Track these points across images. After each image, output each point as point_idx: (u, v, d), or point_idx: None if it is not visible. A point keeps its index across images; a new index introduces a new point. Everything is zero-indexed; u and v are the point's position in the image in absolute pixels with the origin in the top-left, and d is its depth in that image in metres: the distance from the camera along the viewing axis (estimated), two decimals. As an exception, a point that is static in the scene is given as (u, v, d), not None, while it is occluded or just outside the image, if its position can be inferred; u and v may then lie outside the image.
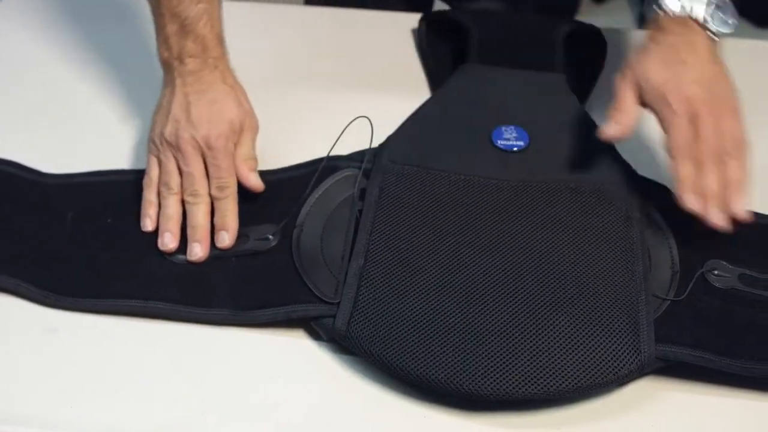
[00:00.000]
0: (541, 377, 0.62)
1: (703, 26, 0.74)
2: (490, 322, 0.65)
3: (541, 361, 0.63)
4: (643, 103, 0.74)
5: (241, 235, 0.73)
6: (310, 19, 1.05)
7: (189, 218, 0.74)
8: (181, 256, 0.72)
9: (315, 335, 0.68)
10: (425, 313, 0.66)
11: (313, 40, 1.01)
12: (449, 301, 0.66)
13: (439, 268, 0.69)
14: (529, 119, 0.82)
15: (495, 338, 0.64)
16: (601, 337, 0.64)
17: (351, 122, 0.77)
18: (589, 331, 0.65)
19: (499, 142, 0.80)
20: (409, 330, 0.65)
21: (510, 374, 0.62)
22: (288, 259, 0.71)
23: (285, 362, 0.67)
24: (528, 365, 0.62)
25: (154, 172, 0.76)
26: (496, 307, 0.66)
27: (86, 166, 0.81)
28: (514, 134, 0.81)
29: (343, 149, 0.78)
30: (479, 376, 0.62)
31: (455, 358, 0.63)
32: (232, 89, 0.78)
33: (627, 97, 0.74)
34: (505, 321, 0.65)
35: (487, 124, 0.82)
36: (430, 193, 0.75)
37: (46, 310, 0.70)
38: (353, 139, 0.78)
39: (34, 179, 0.80)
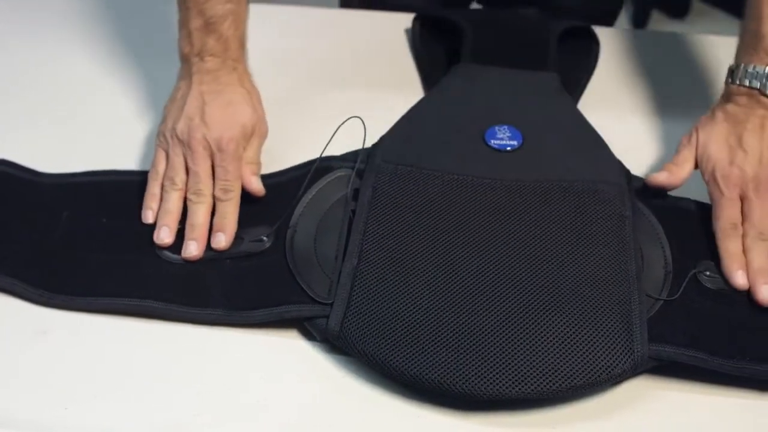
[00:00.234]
0: (535, 377, 0.62)
1: None
2: (483, 322, 0.65)
3: (534, 360, 0.63)
4: (699, 168, 0.76)
5: (236, 238, 0.73)
6: (303, 19, 1.05)
7: (189, 216, 0.74)
8: (175, 255, 0.72)
9: (308, 335, 0.68)
10: (419, 313, 0.66)
11: (305, 40, 1.01)
12: (443, 301, 0.66)
13: (433, 268, 0.69)
14: (522, 119, 0.82)
15: (488, 338, 0.64)
16: (594, 337, 0.64)
17: (343, 122, 0.77)
18: (582, 330, 0.65)
19: (492, 141, 0.80)
20: (402, 330, 0.65)
21: (503, 374, 0.62)
22: (281, 259, 0.71)
23: (278, 362, 0.66)
24: (521, 365, 0.62)
25: (161, 166, 0.77)
26: (489, 307, 0.66)
27: (83, 166, 0.81)
28: (508, 134, 0.81)
29: (337, 150, 0.78)
30: (473, 376, 0.62)
31: (449, 358, 0.63)
32: (249, 93, 0.78)
33: (686, 156, 0.77)
34: (498, 321, 0.65)
35: (480, 124, 0.82)
36: (423, 193, 0.75)
37: (38, 310, 0.69)
38: (346, 139, 0.78)
39: (29, 179, 0.80)
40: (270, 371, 0.66)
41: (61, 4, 1.06)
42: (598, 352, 0.63)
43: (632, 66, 0.98)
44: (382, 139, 0.80)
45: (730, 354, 0.64)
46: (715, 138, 0.75)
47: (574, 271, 0.69)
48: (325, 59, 0.98)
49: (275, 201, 0.76)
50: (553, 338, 0.64)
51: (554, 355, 0.63)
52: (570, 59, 0.93)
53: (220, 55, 0.77)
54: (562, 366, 0.63)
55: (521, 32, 0.95)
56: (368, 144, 0.79)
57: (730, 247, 0.71)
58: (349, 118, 0.77)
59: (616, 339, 0.64)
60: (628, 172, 0.78)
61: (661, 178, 0.76)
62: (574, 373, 0.62)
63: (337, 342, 0.66)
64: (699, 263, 0.71)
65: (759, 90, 0.75)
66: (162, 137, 0.77)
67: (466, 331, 0.64)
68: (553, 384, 0.62)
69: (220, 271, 0.71)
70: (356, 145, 0.78)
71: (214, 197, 0.74)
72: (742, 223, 0.72)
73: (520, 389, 0.62)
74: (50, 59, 0.97)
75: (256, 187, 0.76)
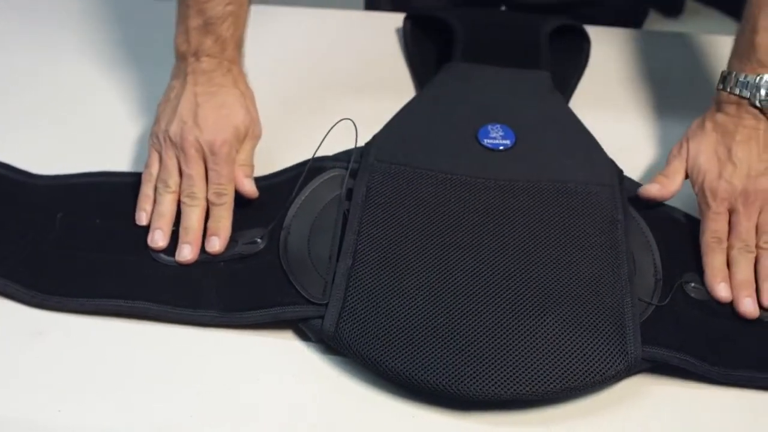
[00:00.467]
0: (529, 378, 0.62)
1: (761, 110, 0.75)
2: (477, 323, 0.65)
3: (528, 362, 0.63)
4: (688, 178, 0.77)
5: (230, 241, 0.73)
6: (295, 19, 1.05)
7: (183, 219, 0.74)
8: (169, 257, 0.72)
9: (303, 336, 0.68)
10: (413, 314, 0.66)
11: (297, 41, 1.01)
12: (437, 302, 0.66)
13: (427, 268, 0.69)
14: (514, 118, 0.83)
15: (483, 339, 0.64)
16: (588, 339, 0.64)
17: (336, 124, 0.77)
18: (576, 332, 0.65)
19: (485, 140, 0.80)
20: (397, 330, 0.65)
21: (498, 375, 0.62)
22: (275, 261, 0.71)
23: (273, 363, 0.66)
24: (516, 366, 0.62)
25: (154, 168, 0.76)
26: (483, 308, 0.66)
27: (77, 168, 0.81)
28: (501, 133, 0.81)
29: (330, 151, 0.78)
30: (467, 377, 0.62)
31: (443, 359, 0.63)
32: (243, 95, 0.78)
33: (677, 167, 0.77)
34: (492, 322, 0.65)
35: (473, 123, 0.82)
36: (416, 193, 0.75)
37: (33, 312, 0.69)
38: (339, 140, 0.78)
39: (23, 180, 0.80)
40: (265, 372, 0.66)
41: (56, 6, 1.05)
42: (592, 353, 0.64)
43: (625, 65, 0.98)
44: (375, 138, 0.80)
45: (714, 361, 0.65)
46: (704, 149, 0.76)
47: (567, 272, 0.69)
48: (316, 59, 0.98)
49: (268, 203, 0.76)
50: (547, 340, 0.64)
51: (548, 356, 0.63)
52: (561, 58, 0.93)
53: (217, 56, 0.77)
54: (556, 367, 0.63)
55: (512, 31, 0.95)
56: (360, 144, 0.79)
57: (713, 261, 0.72)
58: (340, 120, 0.77)
59: (610, 341, 0.64)
60: (620, 172, 0.79)
61: (654, 190, 0.76)
62: (568, 374, 0.62)
63: (332, 343, 0.66)
64: (685, 274, 0.72)
65: (748, 100, 0.75)
66: (155, 138, 0.77)
67: (460, 332, 0.64)
68: (548, 385, 0.62)
69: (215, 273, 0.71)
70: (349, 146, 0.78)
71: (207, 200, 0.74)
72: (729, 235, 0.73)
73: (514, 391, 0.62)
74: (44, 61, 0.97)
75: (249, 189, 0.76)
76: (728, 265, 0.72)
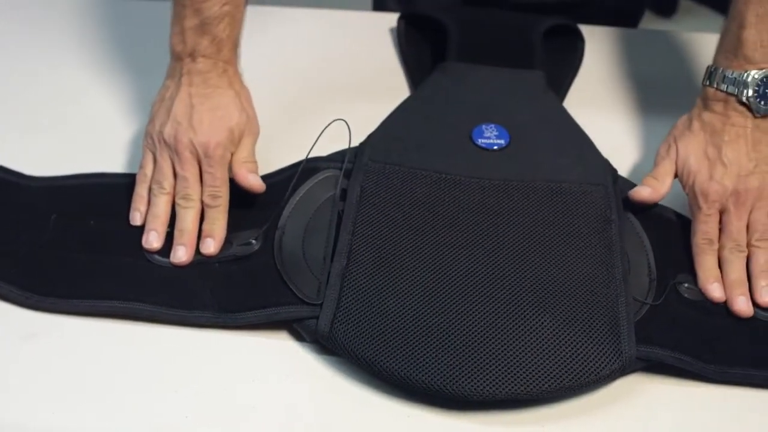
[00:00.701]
0: (524, 378, 0.62)
1: (748, 107, 0.75)
2: (472, 323, 0.65)
3: (523, 362, 0.63)
4: (677, 177, 0.77)
5: (225, 242, 0.73)
6: (289, 19, 1.04)
7: (178, 221, 0.74)
8: (163, 259, 0.72)
9: (298, 336, 0.68)
10: (408, 314, 0.66)
11: (291, 41, 1.01)
12: (432, 302, 0.66)
13: (422, 268, 0.69)
14: (509, 117, 0.83)
15: (477, 339, 0.64)
16: (582, 338, 0.64)
17: (329, 124, 0.77)
18: (570, 331, 0.65)
19: (479, 140, 0.80)
20: (392, 331, 0.65)
21: (492, 375, 0.62)
22: (270, 261, 0.71)
23: (268, 363, 0.66)
24: (510, 366, 0.63)
25: (148, 168, 0.76)
26: (478, 308, 0.66)
27: (71, 169, 0.81)
28: (495, 132, 0.81)
29: (324, 151, 0.78)
30: (462, 377, 0.62)
31: (438, 359, 0.63)
32: (237, 95, 0.78)
33: (666, 168, 0.77)
34: (487, 322, 0.65)
35: (467, 123, 0.82)
36: (411, 193, 0.75)
37: (26, 313, 0.69)
38: (333, 140, 0.78)
39: (17, 182, 0.79)
40: (260, 372, 0.66)
41: (49, 7, 1.05)
42: (587, 353, 0.64)
43: (619, 64, 0.98)
44: (369, 138, 0.80)
45: (710, 359, 0.65)
46: (693, 150, 0.75)
47: (561, 272, 0.69)
48: (310, 59, 0.98)
49: (263, 204, 0.76)
50: (542, 339, 0.64)
51: (543, 356, 0.63)
52: (555, 57, 0.93)
53: (213, 56, 0.77)
54: (550, 367, 0.63)
55: (506, 31, 0.95)
56: (355, 144, 0.79)
57: (705, 263, 0.72)
58: (334, 120, 0.77)
59: (604, 340, 0.64)
60: (615, 171, 0.79)
61: (645, 194, 0.76)
62: (562, 374, 0.62)
63: (327, 343, 0.66)
64: (678, 275, 0.72)
65: (735, 96, 0.74)
66: (149, 139, 0.77)
67: (455, 332, 0.64)
68: (542, 385, 0.62)
69: (209, 274, 0.71)
70: (343, 146, 0.78)
71: (202, 202, 0.74)
72: (720, 235, 0.73)
73: (509, 390, 0.62)
74: (37, 63, 0.96)
75: (254, 183, 0.76)
76: (720, 265, 0.72)
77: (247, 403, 0.64)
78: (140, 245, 0.73)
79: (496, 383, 0.62)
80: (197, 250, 0.73)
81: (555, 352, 0.63)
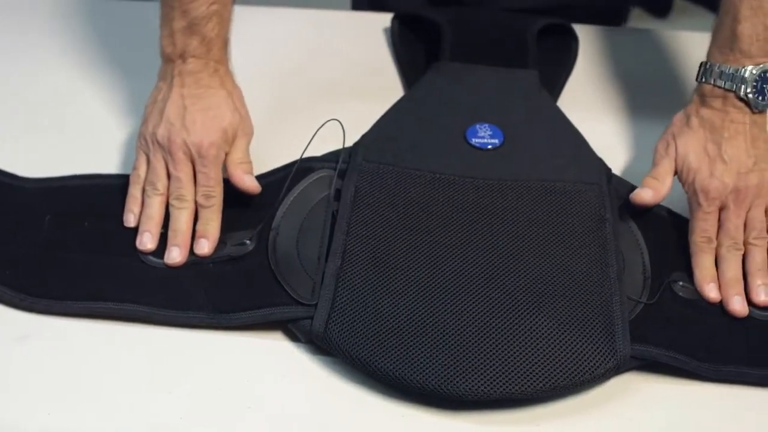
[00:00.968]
0: (518, 378, 0.62)
1: (746, 103, 0.74)
2: (466, 323, 0.65)
3: (517, 361, 0.63)
4: (677, 175, 0.76)
5: (219, 242, 0.73)
6: (282, 20, 1.04)
7: (171, 222, 0.74)
8: (158, 260, 0.72)
9: (293, 337, 0.68)
10: (403, 314, 0.66)
11: (286, 41, 1.01)
12: (426, 302, 0.66)
13: (416, 268, 0.69)
14: (502, 117, 0.83)
15: (472, 339, 0.64)
16: (576, 337, 0.64)
17: (323, 124, 0.77)
18: (564, 331, 0.65)
19: (473, 140, 0.80)
20: (386, 331, 0.65)
21: (487, 375, 0.62)
22: (264, 262, 0.71)
23: (263, 364, 0.66)
24: (504, 366, 0.63)
25: (142, 170, 0.76)
26: (472, 308, 0.66)
27: (65, 170, 0.80)
28: (489, 132, 0.81)
29: (318, 151, 0.78)
30: (456, 377, 0.62)
31: (433, 358, 0.63)
32: (230, 95, 0.78)
33: (665, 167, 0.76)
34: (481, 321, 0.65)
35: (461, 122, 0.82)
36: (405, 192, 0.75)
37: (19, 314, 0.69)
38: (327, 140, 0.78)
39: (10, 183, 0.79)
40: (255, 373, 0.66)
41: (40, 10, 1.05)
42: (581, 352, 0.64)
43: (613, 64, 0.98)
44: (363, 138, 0.80)
45: (704, 358, 0.65)
46: (693, 147, 0.75)
47: (556, 271, 0.69)
48: (304, 59, 0.98)
49: (257, 204, 0.76)
50: (536, 339, 0.64)
51: (537, 355, 0.63)
52: (549, 56, 0.93)
53: (203, 56, 0.77)
54: (545, 366, 0.63)
55: (500, 30, 0.95)
56: (349, 144, 0.79)
57: (703, 262, 0.72)
58: (328, 121, 0.77)
59: (599, 339, 0.64)
60: (609, 170, 0.79)
61: (647, 197, 0.75)
62: (557, 373, 0.62)
63: (322, 343, 0.66)
64: (673, 274, 0.72)
65: (734, 92, 0.74)
66: (143, 140, 0.77)
67: (449, 331, 0.64)
68: (537, 384, 0.62)
69: (204, 274, 0.71)
70: (337, 146, 0.78)
71: (196, 203, 0.74)
72: (718, 233, 0.73)
73: (503, 390, 0.62)
74: (30, 65, 0.96)
75: (250, 184, 0.76)
76: (716, 262, 0.72)
77: (241, 404, 0.63)
78: (134, 247, 0.73)
79: (491, 383, 0.62)
80: (191, 251, 0.72)
81: (549, 351, 0.63)
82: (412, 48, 0.98)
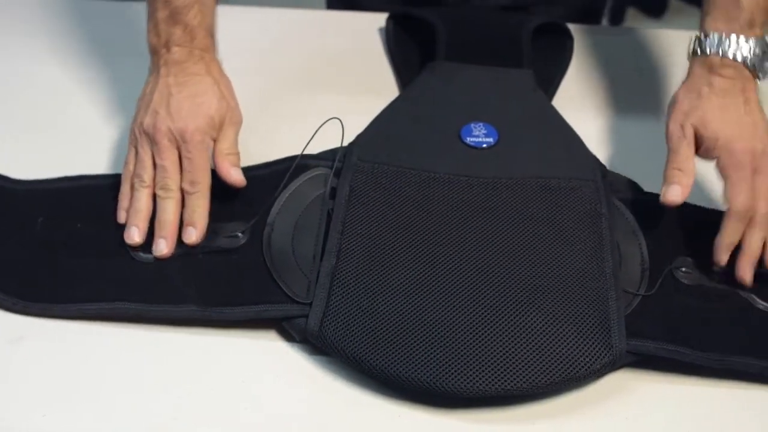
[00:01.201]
0: (514, 374, 0.62)
1: (753, 72, 0.74)
2: (462, 320, 0.65)
3: (513, 358, 0.63)
4: (699, 151, 0.73)
5: (210, 232, 0.73)
6: (279, 20, 1.04)
7: (158, 213, 0.73)
8: (148, 255, 0.72)
9: (288, 337, 0.68)
10: (398, 312, 0.66)
11: (282, 41, 1.01)
12: (422, 300, 0.66)
13: (412, 266, 0.69)
14: (497, 116, 0.83)
15: (467, 336, 0.64)
16: (572, 333, 0.64)
17: (324, 123, 0.77)
18: (560, 327, 0.65)
19: (468, 139, 0.80)
20: (382, 329, 0.65)
21: (483, 372, 0.62)
22: (258, 257, 0.71)
23: (258, 364, 0.66)
24: (500, 362, 0.63)
25: (131, 164, 0.76)
26: (468, 305, 0.66)
27: (59, 172, 0.80)
28: (484, 131, 0.81)
29: (313, 150, 0.78)
30: (452, 374, 0.62)
31: (428, 356, 0.63)
32: (216, 83, 0.77)
33: (685, 151, 0.73)
34: (477, 318, 0.65)
35: (456, 121, 0.82)
36: (400, 191, 0.75)
37: (11, 318, 0.69)
38: (322, 139, 0.77)
39: (2, 185, 0.79)
40: (249, 373, 0.66)
41: (30, 12, 1.05)
42: (577, 348, 0.64)
43: (608, 63, 0.98)
44: (358, 138, 0.80)
45: (707, 347, 0.65)
46: (713, 116, 0.73)
47: (551, 268, 0.69)
48: (301, 60, 0.98)
49: (250, 196, 0.75)
50: (532, 335, 0.64)
51: (533, 352, 0.63)
52: (544, 56, 0.93)
53: (187, 45, 0.77)
54: (540, 363, 0.63)
55: (495, 29, 0.95)
56: (345, 143, 0.79)
57: (732, 230, 0.69)
58: (328, 119, 0.77)
59: (594, 335, 0.64)
60: (603, 167, 0.79)
61: (676, 196, 0.71)
62: (552, 369, 0.62)
63: (317, 342, 0.66)
64: (675, 259, 0.71)
65: (743, 63, 0.74)
66: (132, 134, 0.76)
67: (445, 329, 0.64)
68: (532, 381, 0.62)
69: (194, 267, 0.71)
70: (331, 145, 0.78)
71: (182, 191, 0.73)
72: (753, 202, 0.70)
73: (499, 387, 0.62)
74: (20, 67, 0.96)
75: (236, 178, 0.75)
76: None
77: (235, 404, 0.63)
78: (126, 245, 0.72)
79: (487, 380, 0.62)
80: (181, 242, 0.72)
81: (545, 347, 0.63)
82: (407, 48, 0.98)
